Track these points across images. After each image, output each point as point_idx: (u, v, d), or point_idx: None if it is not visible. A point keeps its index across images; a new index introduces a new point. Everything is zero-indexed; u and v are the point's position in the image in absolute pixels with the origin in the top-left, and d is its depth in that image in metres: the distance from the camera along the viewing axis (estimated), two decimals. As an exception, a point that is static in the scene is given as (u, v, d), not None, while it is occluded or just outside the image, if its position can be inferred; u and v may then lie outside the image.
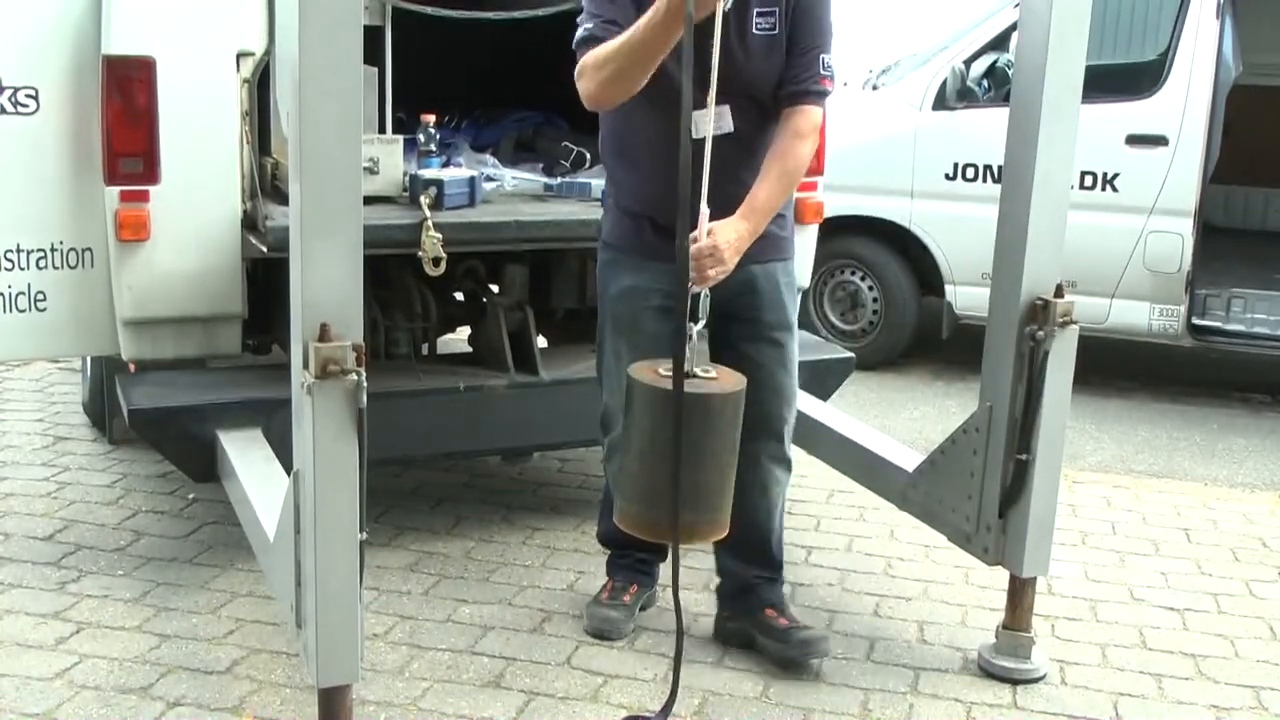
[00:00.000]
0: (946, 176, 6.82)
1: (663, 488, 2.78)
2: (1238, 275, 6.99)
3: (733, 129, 3.19)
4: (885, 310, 7.16)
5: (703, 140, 2.88)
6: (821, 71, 3.24)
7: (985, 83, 6.91)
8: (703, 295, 2.97)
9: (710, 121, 2.89)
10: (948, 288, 6.93)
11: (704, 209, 2.93)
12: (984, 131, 6.46)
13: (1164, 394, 6.90)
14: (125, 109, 3.73)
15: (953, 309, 6.94)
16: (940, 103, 6.83)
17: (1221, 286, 6.78)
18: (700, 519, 2.86)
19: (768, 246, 3.36)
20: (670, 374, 2.77)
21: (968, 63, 6.85)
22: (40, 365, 6.19)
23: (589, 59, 3.10)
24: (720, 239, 3.03)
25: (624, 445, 3.02)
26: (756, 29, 3.20)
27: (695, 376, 2.84)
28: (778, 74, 3.24)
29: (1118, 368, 7.13)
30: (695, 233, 2.94)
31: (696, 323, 2.89)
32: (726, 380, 2.89)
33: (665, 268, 3.04)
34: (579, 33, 3.19)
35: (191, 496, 4.58)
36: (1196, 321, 6.61)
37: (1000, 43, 6.77)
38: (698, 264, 2.98)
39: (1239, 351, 6.90)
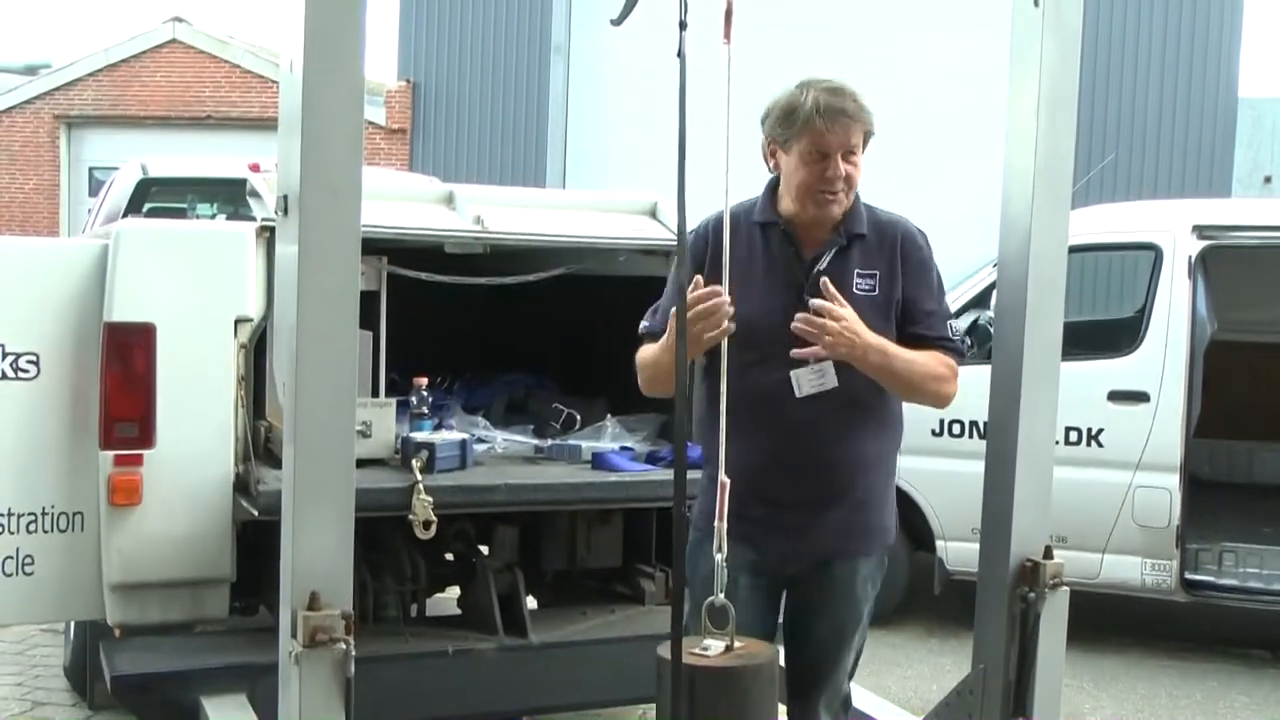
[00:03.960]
0: (934, 433, 6.86)
1: None
2: (1227, 529, 6.98)
3: (836, 384, 3.12)
4: (877, 566, 7.09)
5: (806, 399, 2.99)
6: (951, 336, 3.27)
7: (968, 340, 7.02)
8: (720, 566, 2.80)
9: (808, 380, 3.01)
10: (938, 544, 6.90)
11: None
12: (969, 388, 6.50)
13: (1160, 650, 6.81)
14: (124, 374, 3.78)
15: (944, 565, 6.90)
16: (925, 360, 6.89)
17: (1212, 540, 6.76)
18: None
19: (855, 537, 3.23)
20: (704, 652, 2.72)
21: (951, 321, 6.95)
22: (22, 626, 6.09)
23: (638, 356, 3.23)
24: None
25: None
26: (857, 289, 3.16)
27: (729, 650, 2.76)
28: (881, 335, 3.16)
29: (1113, 623, 7.05)
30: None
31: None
32: (757, 652, 2.80)
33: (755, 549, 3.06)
34: (642, 323, 3.27)
35: (171, 765, 4.46)
36: (1189, 576, 6.55)
37: (982, 300, 6.88)
38: (818, 322, 2.94)
39: (1234, 606, 6.85)
